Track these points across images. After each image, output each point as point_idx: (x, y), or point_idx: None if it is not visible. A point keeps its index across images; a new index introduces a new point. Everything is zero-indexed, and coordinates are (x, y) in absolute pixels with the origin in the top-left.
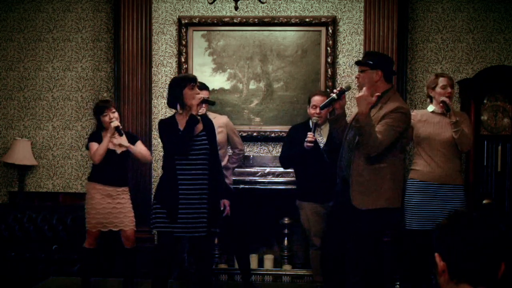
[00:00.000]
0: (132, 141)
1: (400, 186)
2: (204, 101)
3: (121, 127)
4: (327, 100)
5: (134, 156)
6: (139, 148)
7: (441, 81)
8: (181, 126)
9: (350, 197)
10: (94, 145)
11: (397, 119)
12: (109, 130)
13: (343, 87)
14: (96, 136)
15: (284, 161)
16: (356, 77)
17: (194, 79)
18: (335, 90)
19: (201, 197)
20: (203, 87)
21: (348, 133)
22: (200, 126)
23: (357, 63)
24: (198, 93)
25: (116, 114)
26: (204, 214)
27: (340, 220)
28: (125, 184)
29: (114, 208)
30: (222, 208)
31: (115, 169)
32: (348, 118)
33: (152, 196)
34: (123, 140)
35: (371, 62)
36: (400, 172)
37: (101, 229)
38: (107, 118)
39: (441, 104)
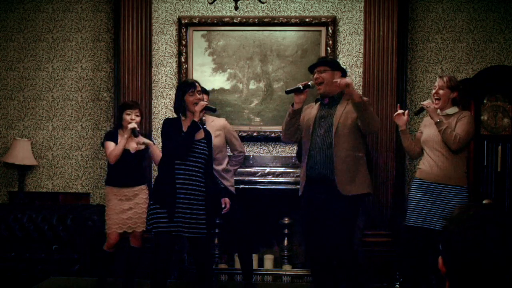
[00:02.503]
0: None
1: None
2: (206, 108)
3: (138, 129)
4: (293, 88)
5: (151, 155)
6: (155, 148)
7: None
8: (185, 129)
9: (331, 188)
10: (110, 145)
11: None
12: (126, 131)
13: (309, 82)
14: (112, 134)
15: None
16: (315, 78)
17: (192, 84)
18: (301, 83)
19: (198, 199)
20: (203, 91)
21: (317, 129)
22: (201, 134)
23: (316, 65)
24: (199, 99)
25: (138, 119)
26: (202, 215)
27: (318, 218)
28: (141, 182)
29: (130, 209)
30: (223, 206)
31: (129, 170)
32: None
33: None
34: (141, 138)
35: (332, 63)
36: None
37: (117, 230)
38: (128, 117)
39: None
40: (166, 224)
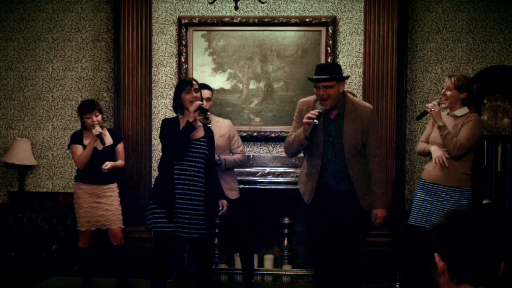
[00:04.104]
0: (116, 141)
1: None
2: (199, 108)
3: (103, 133)
4: (312, 125)
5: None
6: (120, 149)
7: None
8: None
9: (351, 201)
10: (77, 149)
11: (377, 124)
12: (91, 137)
13: (320, 110)
14: (78, 136)
15: None
16: (321, 94)
17: (189, 82)
18: (312, 114)
19: (197, 199)
20: (205, 86)
21: (327, 150)
22: (201, 133)
23: (322, 80)
24: (195, 97)
25: (99, 118)
26: (202, 216)
27: (324, 226)
28: (111, 181)
29: (100, 206)
30: (220, 208)
31: (98, 167)
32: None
33: None
34: (108, 140)
35: (338, 76)
36: None
37: (90, 228)
38: (89, 121)
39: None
40: (165, 224)
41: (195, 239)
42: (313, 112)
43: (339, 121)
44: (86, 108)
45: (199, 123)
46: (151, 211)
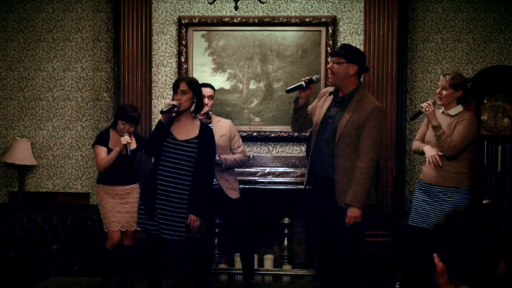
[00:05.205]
0: (141, 143)
1: (372, 183)
2: (167, 110)
3: (130, 142)
4: (294, 85)
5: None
6: None
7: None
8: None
9: (332, 196)
10: (101, 151)
11: (380, 124)
12: (118, 144)
13: (313, 77)
14: (104, 137)
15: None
16: (329, 68)
17: (175, 85)
18: (304, 79)
19: (179, 202)
20: (207, 85)
21: (323, 130)
22: (191, 133)
23: (334, 53)
24: (178, 99)
25: (132, 129)
26: (183, 219)
27: (324, 220)
28: (133, 181)
29: (124, 208)
30: (187, 222)
31: (121, 169)
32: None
33: None
34: (133, 145)
35: (349, 55)
36: (375, 169)
37: (121, 229)
38: (122, 127)
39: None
40: (148, 222)
41: (189, 241)
42: (308, 77)
43: (343, 106)
44: (127, 117)
45: (197, 122)
46: (139, 209)
